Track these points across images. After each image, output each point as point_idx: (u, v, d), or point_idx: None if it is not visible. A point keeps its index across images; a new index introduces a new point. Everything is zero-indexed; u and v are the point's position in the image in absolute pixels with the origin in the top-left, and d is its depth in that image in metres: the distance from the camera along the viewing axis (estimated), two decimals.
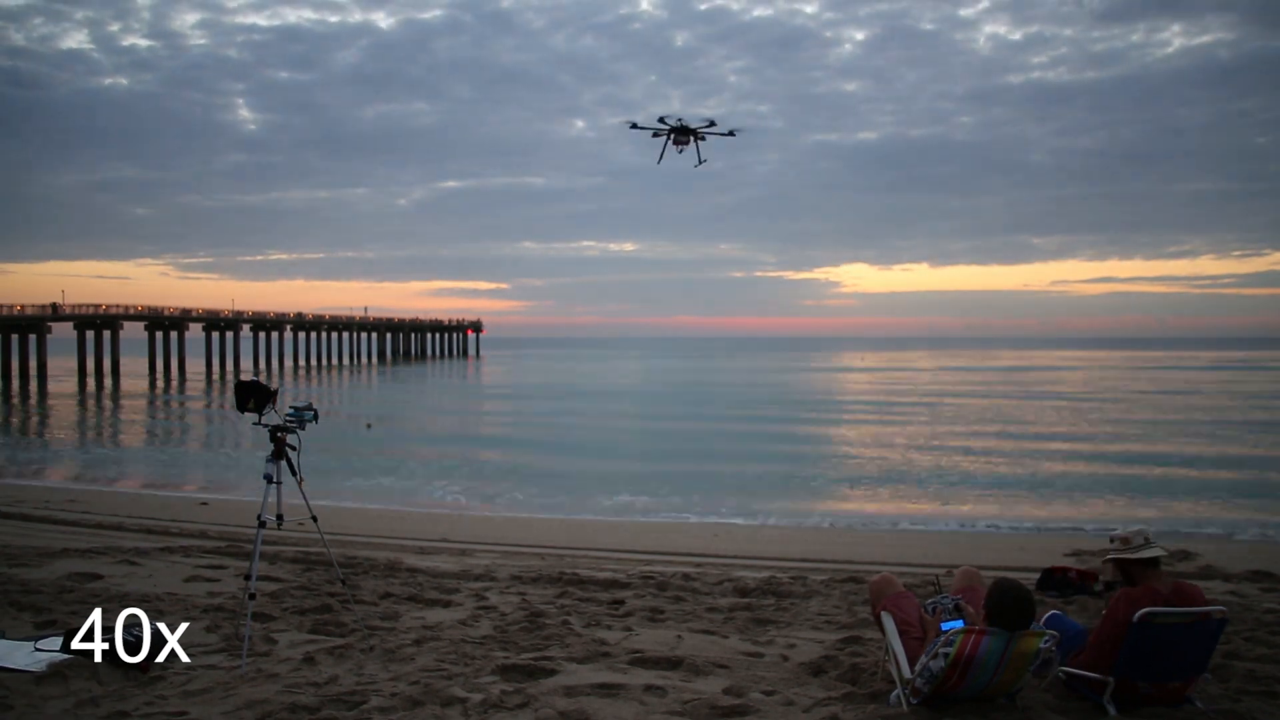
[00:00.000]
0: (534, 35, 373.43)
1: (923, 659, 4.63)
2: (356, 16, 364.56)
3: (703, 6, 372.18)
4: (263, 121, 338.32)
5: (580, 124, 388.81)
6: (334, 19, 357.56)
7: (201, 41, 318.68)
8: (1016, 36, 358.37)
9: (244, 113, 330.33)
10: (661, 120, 19.17)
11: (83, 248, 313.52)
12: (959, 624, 4.78)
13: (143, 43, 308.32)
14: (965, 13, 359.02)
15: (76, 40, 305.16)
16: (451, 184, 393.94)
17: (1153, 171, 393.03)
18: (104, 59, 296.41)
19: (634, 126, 19.61)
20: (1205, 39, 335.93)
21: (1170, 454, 26.24)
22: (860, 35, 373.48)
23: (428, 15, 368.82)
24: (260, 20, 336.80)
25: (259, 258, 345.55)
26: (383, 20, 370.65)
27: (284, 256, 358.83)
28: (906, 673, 4.74)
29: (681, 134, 19.47)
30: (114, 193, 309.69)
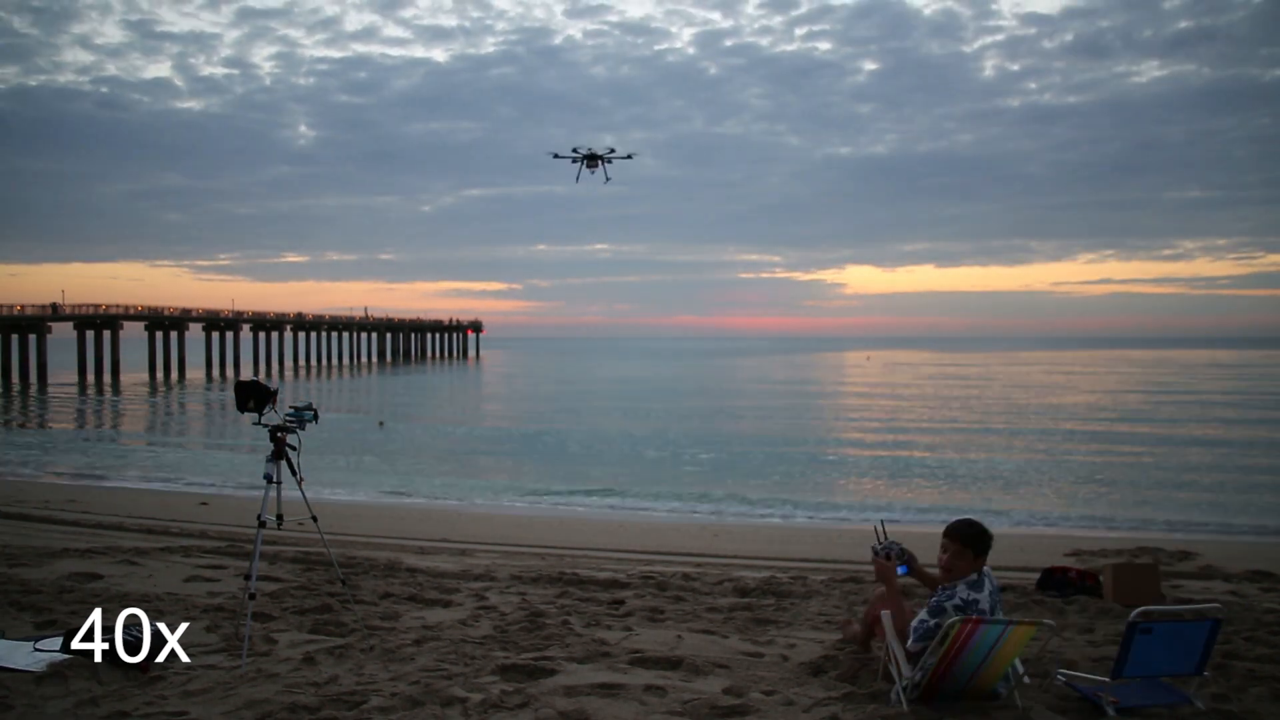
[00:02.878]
0: (578, 66, 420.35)
1: (915, 629, 4.76)
2: (419, 52, 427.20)
3: (729, 43, 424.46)
4: (314, 137, 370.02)
5: (609, 139, 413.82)
6: (396, 53, 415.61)
7: (274, 70, 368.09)
8: (1014, 67, 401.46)
9: (303, 129, 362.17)
10: (574, 150, 22.98)
11: (107, 250, 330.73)
12: (904, 570, 5.22)
13: (220, 71, 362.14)
14: (967, 48, 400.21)
15: (162, 69, 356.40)
16: (476, 192, 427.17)
17: (1142, 181, 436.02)
18: (183, 85, 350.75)
19: (556, 156, 23.43)
20: (1177, 69, 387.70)
21: (1170, 453, 26.25)
22: (873, 66, 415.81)
23: (484, 51, 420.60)
24: (332, 53, 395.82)
25: (274, 260, 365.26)
26: (440, 55, 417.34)
27: (298, 259, 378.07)
28: (906, 671, 4.74)
29: (591, 160, 23.10)
30: (154, 200, 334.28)
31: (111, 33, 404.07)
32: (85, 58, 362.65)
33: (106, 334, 71.56)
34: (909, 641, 4.76)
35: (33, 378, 62.06)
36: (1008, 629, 4.46)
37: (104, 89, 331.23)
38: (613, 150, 22.44)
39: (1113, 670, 4.74)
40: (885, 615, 5.08)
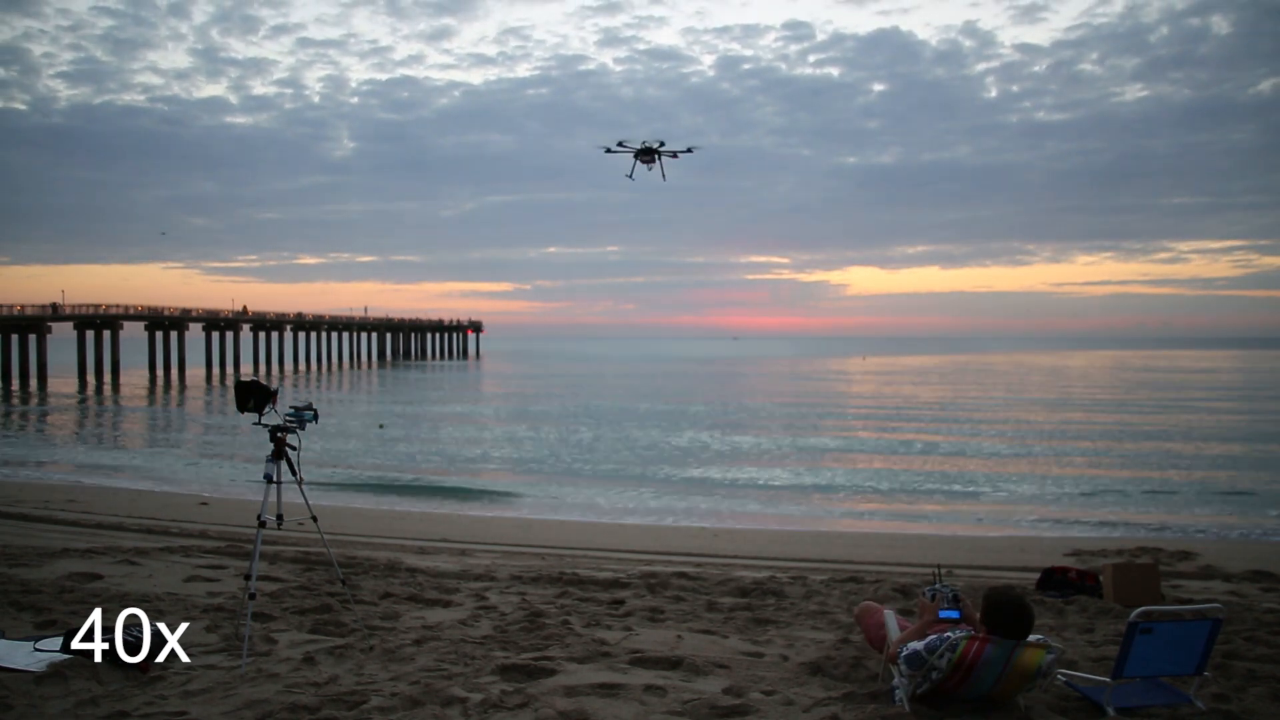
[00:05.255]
0: (608, 88, 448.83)
1: (915, 645, 4.63)
2: (458, 75, 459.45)
3: (746, 67, 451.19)
4: (353, 148, 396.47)
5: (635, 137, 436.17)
6: (439, 76, 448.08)
7: (323, 90, 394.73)
8: (1014, 89, 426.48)
9: (345, 141, 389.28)
10: (620, 144, 22.05)
11: (131, 252, 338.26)
12: (955, 614, 4.78)
13: (271, 90, 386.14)
14: (969, 72, 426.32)
15: (218, 89, 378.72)
16: (497, 198, 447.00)
17: (1133, 187, 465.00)
18: (236, 102, 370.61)
19: (608, 150, 22.42)
20: (1158, 89, 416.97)
21: (1170, 454, 26.24)
22: (881, 87, 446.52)
23: (521, 75, 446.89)
24: (379, 75, 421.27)
25: (289, 262, 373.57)
26: (478, 78, 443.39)
27: (312, 260, 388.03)
28: (905, 678, 4.71)
29: (646, 154, 22.18)
30: (185, 206, 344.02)
31: (179, 59, 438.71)
32: (154, 80, 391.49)
33: (107, 334, 71.53)
34: (899, 658, 4.69)
35: (33, 378, 62.02)
36: (1015, 652, 4.44)
37: (163, 107, 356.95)
38: (661, 144, 21.66)
39: (1113, 670, 4.74)
40: (889, 615, 5.07)
